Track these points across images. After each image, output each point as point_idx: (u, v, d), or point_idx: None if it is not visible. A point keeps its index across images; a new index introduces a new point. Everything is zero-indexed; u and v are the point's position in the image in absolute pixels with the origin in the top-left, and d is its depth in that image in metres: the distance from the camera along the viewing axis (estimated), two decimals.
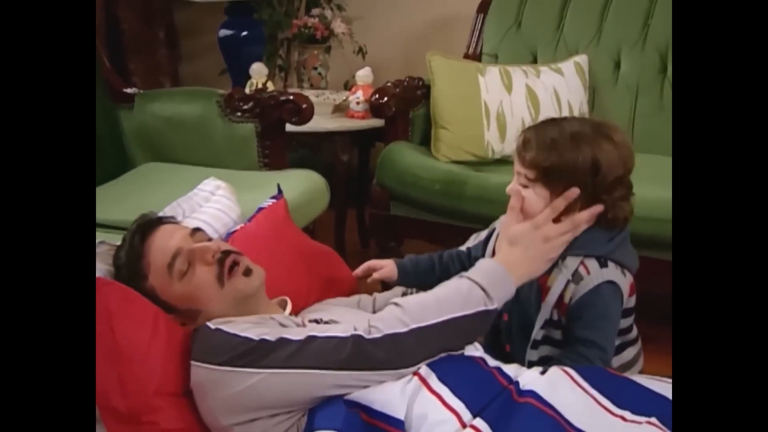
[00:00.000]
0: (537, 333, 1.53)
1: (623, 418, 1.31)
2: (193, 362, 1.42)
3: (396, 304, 1.42)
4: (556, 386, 1.35)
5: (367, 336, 1.35)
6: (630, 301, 1.56)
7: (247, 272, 1.53)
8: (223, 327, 1.42)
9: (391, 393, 1.35)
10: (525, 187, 1.51)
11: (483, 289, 1.41)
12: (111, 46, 3.59)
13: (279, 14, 3.58)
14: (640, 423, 1.29)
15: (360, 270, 1.75)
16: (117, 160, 2.69)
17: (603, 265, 1.49)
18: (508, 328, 1.59)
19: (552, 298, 1.49)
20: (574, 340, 1.50)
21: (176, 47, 4.00)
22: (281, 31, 3.62)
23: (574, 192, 1.46)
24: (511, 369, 1.42)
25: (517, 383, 1.38)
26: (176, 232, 1.57)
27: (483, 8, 3.24)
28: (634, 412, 1.32)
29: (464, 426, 1.29)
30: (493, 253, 1.61)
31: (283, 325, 1.47)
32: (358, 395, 1.36)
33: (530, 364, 1.50)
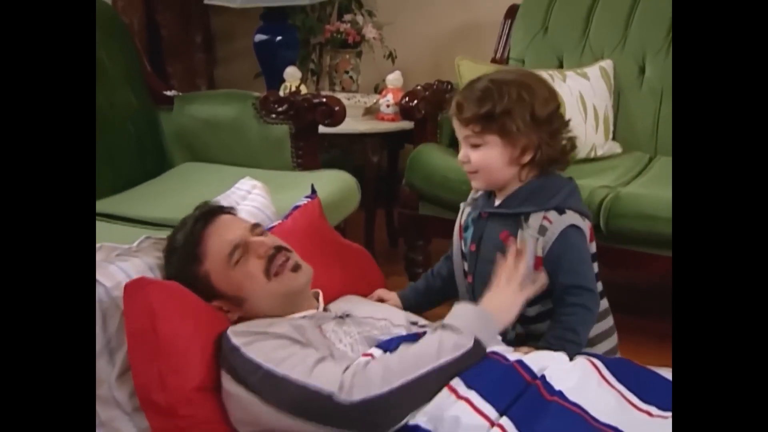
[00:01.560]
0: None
1: (649, 414, 1.35)
2: (221, 368, 1.50)
3: (378, 357, 1.44)
4: (584, 384, 1.39)
5: (341, 398, 1.36)
6: (592, 247, 1.66)
7: (296, 268, 1.60)
8: (242, 348, 1.46)
9: None
10: (477, 147, 1.60)
11: (454, 330, 1.43)
12: (151, 50, 3.65)
13: (312, 20, 3.63)
14: (666, 418, 1.32)
15: (371, 297, 1.83)
16: (157, 159, 2.75)
17: (562, 212, 1.59)
18: (472, 289, 1.68)
19: (529, 258, 1.56)
20: (562, 291, 1.58)
21: (212, 51, 4.07)
22: (314, 36, 3.67)
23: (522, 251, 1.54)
24: (533, 361, 1.44)
25: (543, 378, 1.40)
26: (237, 223, 1.65)
27: (510, 14, 3.29)
28: (659, 407, 1.35)
29: (493, 425, 1.31)
30: (460, 231, 1.72)
31: (302, 343, 1.48)
32: None
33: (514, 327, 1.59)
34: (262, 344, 1.47)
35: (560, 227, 1.58)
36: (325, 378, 1.39)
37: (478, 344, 1.42)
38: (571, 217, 1.60)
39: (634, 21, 3.05)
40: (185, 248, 1.62)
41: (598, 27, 3.11)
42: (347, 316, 1.61)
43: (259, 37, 3.32)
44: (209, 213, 1.66)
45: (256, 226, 1.66)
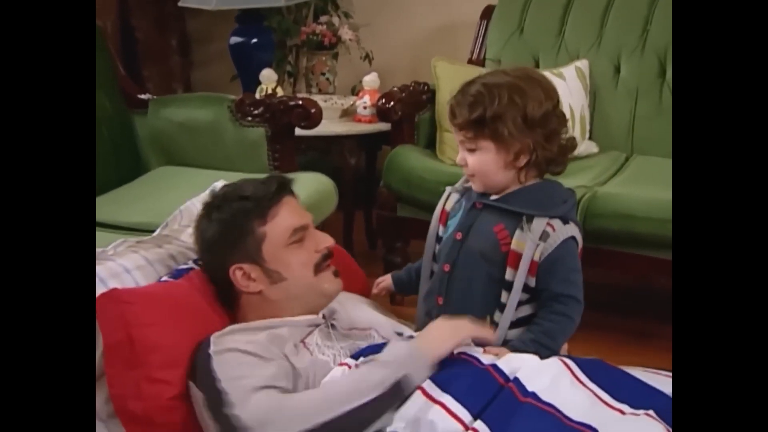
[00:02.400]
0: (513, 298, 1.58)
1: (621, 411, 1.35)
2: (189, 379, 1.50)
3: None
4: (557, 384, 1.39)
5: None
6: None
7: (337, 274, 1.65)
8: (215, 358, 1.46)
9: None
10: (472, 151, 1.60)
11: (383, 364, 1.42)
12: (125, 53, 3.63)
13: (288, 22, 3.63)
14: (638, 415, 1.33)
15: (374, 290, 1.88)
16: (132, 164, 2.73)
17: (566, 222, 1.59)
18: (446, 281, 1.66)
19: (526, 261, 1.56)
20: (550, 298, 1.57)
21: (188, 54, 4.05)
22: (290, 38, 3.66)
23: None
24: (505, 363, 1.45)
25: (516, 380, 1.40)
26: (306, 212, 1.67)
27: (486, 14, 3.30)
28: (632, 405, 1.36)
29: (467, 429, 1.32)
30: (442, 216, 1.72)
31: (265, 358, 1.48)
32: None
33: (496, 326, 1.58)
34: (229, 356, 1.47)
35: (563, 236, 1.58)
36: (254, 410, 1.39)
37: (406, 378, 1.40)
38: (573, 229, 1.60)
39: (609, 21, 3.07)
40: (257, 201, 1.61)
41: (574, 27, 3.12)
42: (333, 327, 1.61)
43: (235, 39, 3.31)
44: (288, 185, 1.67)
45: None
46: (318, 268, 1.61)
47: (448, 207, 1.72)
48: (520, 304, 1.60)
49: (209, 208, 1.65)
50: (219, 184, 2.02)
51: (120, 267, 1.63)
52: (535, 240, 1.56)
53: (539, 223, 1.58)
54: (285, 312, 1.59)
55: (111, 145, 2.68)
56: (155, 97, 2.83)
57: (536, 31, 3.17)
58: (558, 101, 1.62)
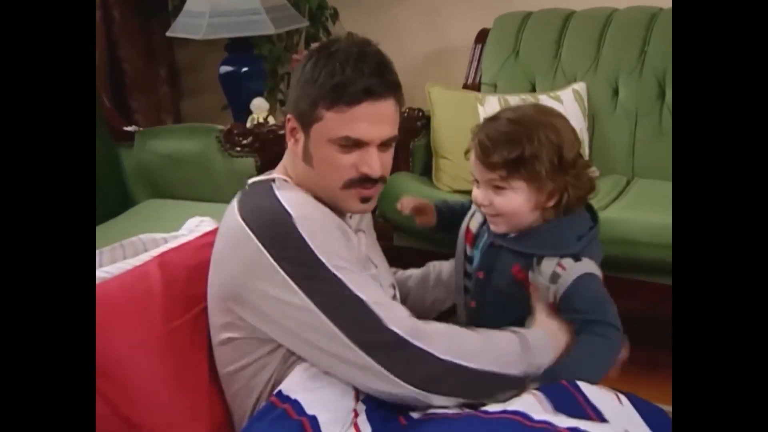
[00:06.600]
0: None
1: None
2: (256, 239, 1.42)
3: (452, 324, 1.44)
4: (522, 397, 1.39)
5: (409, 339, 1.36)
6: None
7: (365, 200, 1.52)
8: (304, 234, 1.40)
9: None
10: (500, 189, 1.50)
11: (531, 350, 1.44)
12: (112, 85, 3.62)
13: (278, 49, 3.60)
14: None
15: (405, 206, 1.79)
16: (118, 198, 2.71)
17: (577, 259, 1.49)
18: (475, 315, 1.60)
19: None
20: (582, 328, 1.50)
21: (178, 84, 4.03)
22: (281, 65, 3.64)
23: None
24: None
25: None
26: (385, 125, 1.50)
27: (481, 38, 3.26)
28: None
29: None
30: (468, 236, 1.64)
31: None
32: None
33: None
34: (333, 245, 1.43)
35: (574, 275, 1.48)
36: (398, 317, 1.39)
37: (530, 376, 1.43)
38: (587, 265, 1.50)
39: (605, 42, 3.03)
40: (334, 88, 1.43)
41: (570, 49, 3.08)
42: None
43: (224, 68, 3.26)
44: (389, 86, 1.48)
45: (393, 140, 1.55)
46: (347, 185, 1.49)
47: (472, 227, 1.64)
48: None
49: (321, 53, 1.49)
50: (195, 220, 1.96)
51: None
52: (544, 283, 1.49)
53: (548, 264, 1.50)
54: (315, 190, 1.51)
55: (96, 180, 2.63)
56: (141, 129, 2.81)
57: (532, 54, 3.13)
58: (581, 141, 1.57)
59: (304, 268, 1.39)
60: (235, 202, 1.52)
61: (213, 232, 1.75)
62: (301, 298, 1.38)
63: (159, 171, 2.71)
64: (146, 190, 2.73)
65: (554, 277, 1.48)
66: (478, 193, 1.54)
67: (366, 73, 1.44)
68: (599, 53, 3.02)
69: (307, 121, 1.48)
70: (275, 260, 1.39)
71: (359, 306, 1.38)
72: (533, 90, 3.09)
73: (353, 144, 1.46)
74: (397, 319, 1.39)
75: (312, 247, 1.39)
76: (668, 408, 1.39)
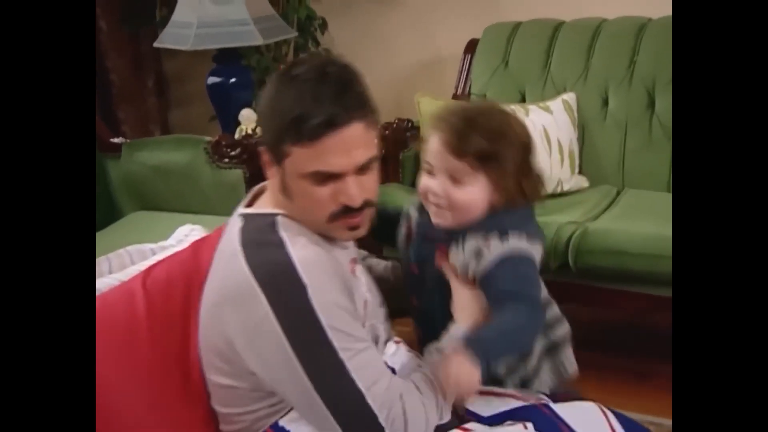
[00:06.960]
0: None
1: None
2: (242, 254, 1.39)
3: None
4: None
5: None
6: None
7: (353, 228, 1.44)
8: (317, 309, 1.35)
9: None
10: (458, 182, 1.42)
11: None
12: (99, 96, 3.59)
13: (267, 60, 3.58)
14: None
15: None
16: (105, 210, 2.68)
17: (504, 235, 1.42)
18: (416, 312, 1.57)
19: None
20: (497, 301, 1.41)
21: (165, 95, 4.01)
22: (270, 76, 3.60)
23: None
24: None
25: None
26: (359, 150, 1.38)
27: (470, 48, 3.25)
28: None
29: None
30: (409, 233, 1.57)
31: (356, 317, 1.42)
32: None
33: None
34: (335, 312, 1.37)
35: (499, 253, 1.40)
36: (380, 399, 1.35)
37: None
38: (514, 242, 1.41)
39: (595, 53, 3.02)
40: (296, 122, 1.35)
41: (560, 59, 3.07)
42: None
43: (212, 79, 3.25)
44: (351, 109, 1.36)
45: (372, 161, 1.42)
46: (332, 218, 1.41)
47: (412, 226, 1.57)
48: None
49: (282, 79, 1.43)
50: (185, 229, 1.94)
51: None
52: (463, 260, 1.42)
53: (472, 241, 1.42)
54: (304, 223, 1.44)
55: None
56: (129, 140, 2.80)
57: (521, 64, 3.12)
58: None
59: (314, 347, 1.34)
60: (238, 245, 1.43)
61: (201, 241, 1.73)
62: (299, 374, 1.34)
63: (146, 182, 2.69)
64: (134, 202, 2.71)
65: (477, 253, 1.41)
66: (431, 183, 1.44)
67: (326, 101, 1.34)
68: (589, 63, 3.01)
69: (277, 156, 1.40)
70: (283, 331, 1.34)
71: (357, 398, 1.34)
72: (523, 100, 3.08)
73: (327, 177, 1.37)
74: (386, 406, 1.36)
75: (324, 325, 1.34)
76: (659, 420, 1.39)
